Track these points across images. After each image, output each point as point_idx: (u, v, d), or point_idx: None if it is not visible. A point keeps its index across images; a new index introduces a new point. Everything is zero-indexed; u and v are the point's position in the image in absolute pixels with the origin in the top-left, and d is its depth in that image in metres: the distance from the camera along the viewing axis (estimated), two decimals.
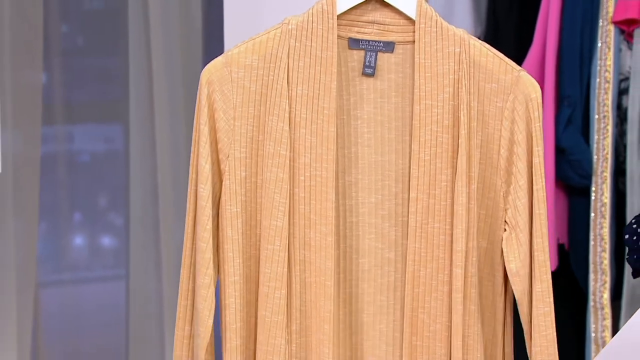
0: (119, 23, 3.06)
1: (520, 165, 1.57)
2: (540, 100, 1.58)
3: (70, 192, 3.15)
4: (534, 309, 1.58)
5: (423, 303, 1.55)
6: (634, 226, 1.71)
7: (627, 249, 1.73)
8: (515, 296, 1.59)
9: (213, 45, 3.05)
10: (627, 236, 1.71)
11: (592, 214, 2.48)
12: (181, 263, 1.58)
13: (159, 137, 3.05)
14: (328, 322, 1.52)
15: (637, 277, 1.72)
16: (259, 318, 1.53)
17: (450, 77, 1.55)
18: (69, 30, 3.23)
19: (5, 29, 2.80)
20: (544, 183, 1.58)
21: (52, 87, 3.07)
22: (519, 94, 1.57)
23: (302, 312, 1.54)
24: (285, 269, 1.52)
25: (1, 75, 2.32)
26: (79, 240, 3.27)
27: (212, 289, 1.53)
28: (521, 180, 1.57)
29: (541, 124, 1.58)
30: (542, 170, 1.58)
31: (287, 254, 1.52)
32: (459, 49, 1.55)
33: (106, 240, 3.35)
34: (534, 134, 1.57)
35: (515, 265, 1.56)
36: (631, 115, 2.47)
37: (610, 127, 2.49)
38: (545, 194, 1.59)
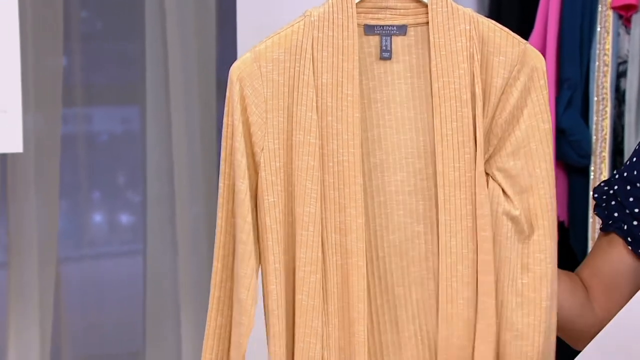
0: (136, 9, 3.06)
1: (519, 133, 1.58)
2: (544, 70, 1.58)
3: (90, 171, 3.17)
4: (548, 265, 1.60)
5: (455, 272, 1.55)
6: (605, 188, 1.74)
7: (594, 204, 1.76)
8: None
9: (226, 30, 3.04)
10: (596, 195, 1.75)
11: (591, 193, 2.49)
12: (214, 255, 1.56)
13: (174, 118, 3.05)
14: (362, 301, 1.53)
15: (605, 230, 1.75)
16: (297, 302, 1.53)
17: (464, 53, 1.55)
18: (89, 15, 3.23)
19: (27, 15, 2.81)
20: (552, 147, 1.59)
21: (72, 70, 3.08)
22: (524, 64, 1.58)
23: (336, 293, 1.54)
24: (320, 254, 1.52)
25: (23, 59, 2.32)
26: (98, 217, 3.28)
27: (255, 279, 1.52)
28: (515, 144, 1.58)
29: (547, 92, 1.59)
30: (551, 136, 1.59)
31: (320, 238, 1.53)
32: (469, 27, 1.56)
33: (124, 217, 3.36)
34: (541, 101, 1.58)
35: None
36: (629, 97, 2.47)
37: (608, 109, 2.49)
38: (553, 158, 1.60)
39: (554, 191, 1.60)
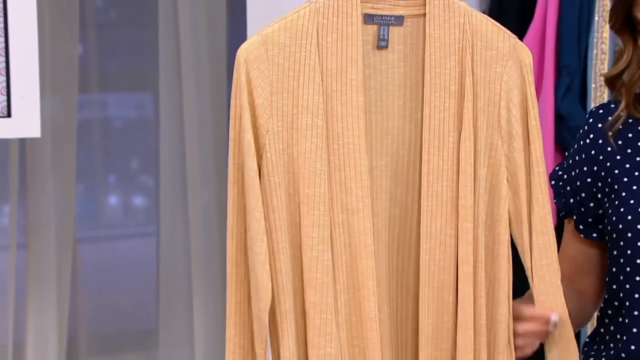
0: None
1: (517, 126, 1.60)
2: (532, 66, 1.61)
3: (105, 155, 3.18)
4: (536, 260, 1.60)
5: (433, 256, 1.57)
6: (560, 173, 1.75)
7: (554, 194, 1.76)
8: (518, 249, 1.62)
9: (236, 18, 3.06)
10: (552, 182, 1.75)
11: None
12: (227, 233, 1.57)
13: (186, 104, 3.07)
14: (372, 279, 1.55)
15: (566, 218, 1.76)
16: (309, 280, 1.54)
17: (456, 46, 1.57)
18: (104, 4, 3.25)
19: (44, 4, 2.83)
20: (541, 143, 1.61)
21: (87, 57, 3.09)
22: (515, 60, 1.60)
23: (345, 271, 1.56)
24: (329, 232, 1.54)
25: (41, 47, 2.34)
26: (113, 200, 3.30)
27: (268, 256, 1.54)
28: (519, 141, 1.59)
29: (534, 87, 1.61)
30: (540, 132, 1.61)
31: (329, 218, 1.54)
32: (463, 20, 1.58)
33: (138, 200, 3.38)
34: (529, 97, 1.60)
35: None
36: None
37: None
38: (543, 153, 1.61)
39: (545, 187, 1.60)
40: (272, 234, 1.54)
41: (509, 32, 1.61)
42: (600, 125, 1.70)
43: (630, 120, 1.68)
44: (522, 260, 1.63)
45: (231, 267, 1.58)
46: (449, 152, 1.57)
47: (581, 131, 1.73)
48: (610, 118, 1.70)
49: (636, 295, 1.62)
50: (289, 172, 1.55)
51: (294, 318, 1.55)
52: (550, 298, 1.61)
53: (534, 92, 1.60)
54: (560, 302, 1.61)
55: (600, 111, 1.72)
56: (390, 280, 1.60)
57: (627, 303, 1.62)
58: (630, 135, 1.68)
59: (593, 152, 1.69)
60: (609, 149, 1.68)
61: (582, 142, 1.72)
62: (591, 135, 1.70)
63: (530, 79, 1.60)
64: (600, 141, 1.69)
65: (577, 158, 1.72)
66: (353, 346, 1.56)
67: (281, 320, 1.55)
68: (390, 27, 1.58)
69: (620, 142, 1.68)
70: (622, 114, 1.68)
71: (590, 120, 1.72)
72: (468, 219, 1.57)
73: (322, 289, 1.54)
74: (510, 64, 1.60)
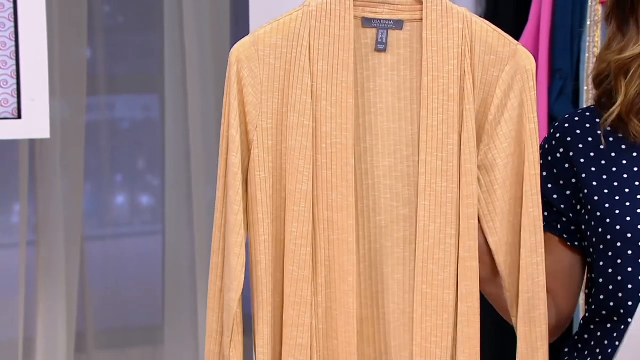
0: (156, 3, 3.10)
1: (505, 128, 1.59)
2: (534, 72, 1.59)
3: (112, 155, 3.19)
4: (526, 259, 1.60)
5: (432, 255, 1.58)
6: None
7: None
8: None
9: (240, 23, 3.08)
10: None
11: None
12: (213, 224, 1.60)
13: (191, 106, 3.08)
14: (351, 275, 1.56)
15: (545, 231, 1.76)
16: (287, 273, 1.55)
17: (455, 50, 1.57)
18: (111, 9, 3.27)
19: (53, 9, 2.85)
20: (538, 146, 1.61)
21: (95, 61, 3.11)
22: (514, 64, 1.59)
23: (327, 266, 1.57)
24: (311, 228, 1.55)
25: (50, 51, 2.35)
26: (120, 199, 3.31)
27: (244, 247, 1.55)
28: (504, 143, 1.59)
29: (535, 93, 1.59)
30: (537, 135, 1.60)
31: (311, 214, 1.55)
32: (461, 25, 1.58)
33: (144, 199, 3.38)
34: (529, 102, 1.59)
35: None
36: None
37: None
38: (538, 156, 1.61)
39: (539, 189, 1.60)
40: (254, 226, 1.56)
41: (510, 38, 1.60)
42: (569, 139, 1.68)
43: (599, 132, 1.66)
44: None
45: (214, 256, 1.60)
46: (449, 153, 1.57)
47: (546, 146, 1.70)
48: (578, 131, 1.68)
49: (630, 303, 1.61)
50: (279, 167, 1.56)
51: (273, 309, 1.57)
52: (536, 296, 1.61)
53: (534, 97, 1.59)
54: (544, 298, 1.62)
55: (566, 125, 1.70)
56: (400, 277, 1.61)
57: (622, 311, 1.62)
58: (601, 147, 1.67)
59: (567, 165, 1.68)
60: (582, 160, 1.67)
61: (549, 158, 1.69)
62: (561, 150, 1.68)
63: (531, 84, 1.59)
64: (572, 153, 1.68)
65: (544, 174, 1.69)
66: (332, 339, 1.58)
67: (258, 309, 1.56)
68: (389, 30, 1.59)
69: (592, 154, 1.67)
70: (615, 110, 1.64)
71: (557, 135, 1.69)
72: (475, 216, 1.58)
73: (298, 282, 1.55)
74: (508, 69, 1.59)
